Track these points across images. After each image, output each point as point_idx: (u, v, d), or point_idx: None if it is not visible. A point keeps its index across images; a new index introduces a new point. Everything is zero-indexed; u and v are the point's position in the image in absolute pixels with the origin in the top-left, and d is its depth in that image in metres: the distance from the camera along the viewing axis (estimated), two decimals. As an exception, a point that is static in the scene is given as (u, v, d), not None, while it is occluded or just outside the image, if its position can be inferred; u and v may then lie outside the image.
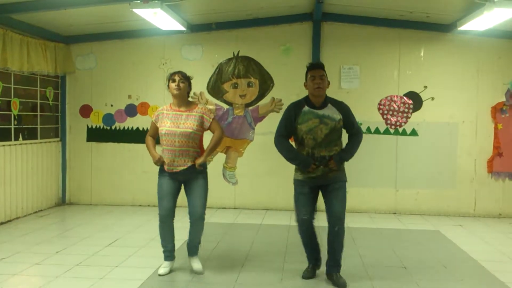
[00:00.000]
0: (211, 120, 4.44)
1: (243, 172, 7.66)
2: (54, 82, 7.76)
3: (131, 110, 7.81)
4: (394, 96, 7.43)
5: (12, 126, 6.76)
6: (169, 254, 4.54)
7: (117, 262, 4.82)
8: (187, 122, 4.34)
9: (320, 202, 4.30)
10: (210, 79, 7.60)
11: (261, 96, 7.57)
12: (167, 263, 4.54)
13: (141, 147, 7.63)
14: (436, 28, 7.26)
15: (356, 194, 7.31)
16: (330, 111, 4.20)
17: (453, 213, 7.41)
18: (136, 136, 7.77)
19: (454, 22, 6.86)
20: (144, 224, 6.56)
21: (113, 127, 7.86)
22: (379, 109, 7.44)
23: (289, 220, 6.74)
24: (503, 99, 7.28)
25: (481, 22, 6.13)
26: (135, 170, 7.81)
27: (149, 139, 4.52)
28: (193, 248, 4.57)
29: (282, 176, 7.01)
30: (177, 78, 4.34)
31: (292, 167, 4.38)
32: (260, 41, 7.56)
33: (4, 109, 6.61)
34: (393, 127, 7.44)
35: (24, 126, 7.05)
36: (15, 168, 6.77)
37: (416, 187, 7.45)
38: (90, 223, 6.58)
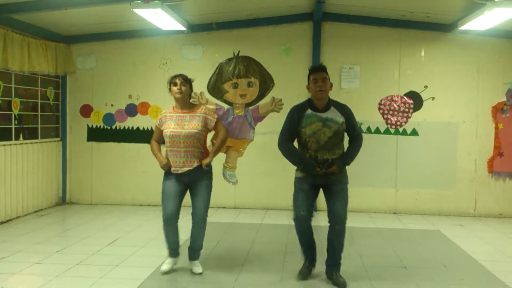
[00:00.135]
0: (215, 120, 4.47)
1: (243, 171, 7.67)
2: (55, 82, 7.77)
3: (131, 110, 7.81)
4: (394, 96, 7.43)
5: (13, 126, 6.77)
6: (173, 252, 4.55)
7: (117, 261, 4.83)
8: (192, 123, 4.35)
9: (321, 202, 4.30)
10: (210, 79, 7.60)
11: (261, 96, 7.58)
12: (170, 259, 4.54)
13: (141, 146, 7.65)
14: (436, 28, 7.25)
15: (356, 194, 7.29)
16: (333, 114, 4.19)
17: (453, 213, 7.40)
18: (136, 136, 7.77)
19: (455, 22, 6.85)
20: (144, 224, 6.57)
21: (113, 127, 7.87)
22: (379, 109, 7.43)
23: (289, 219, 6.68)
24: (504, 98, 7.27)
25: (481, 22, 6.13)
26: (135, 169, 7.81)
27: (154, 144, 4.53)
28: (194, 252, 4.56)
29: (282, 176, 7.02)
30: (178, 81, 4.36)
31: (292, 167, 4.39)
32: (261, 41, 7.56)
33: (5, 109, 6.62)
34: (393, 127, 7.44)
35: (24, 126, 7.06)
36: (16, 168, 6.78)
37: (416, 187, 7.45)
38: (90, 223, 6.58)
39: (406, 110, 7.40)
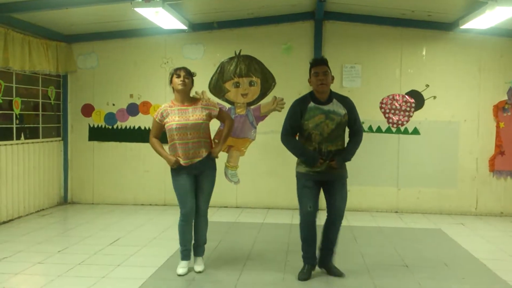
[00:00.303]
0: (217, 109, 4.48)
1: (245, 171, 7.67)
2: (56, 81, 7.77)
3: (132, 109, 7.81)
4: (396, 95, 7.42)
5: (14, 126, 6.77)
6: (187, 253, 4.49)
7: (119, 261, 4.83)
8: (195, 114, 4.34)
9: (321, 202, 4.30)
10: (211, 78, 7.60)
11: (262, 95, 7.57)
12: (185, 262, 4.48)
13: (143, 146, 7.64)
14: (438, 26, 7.24)
15: (357, 193, 7.32)
16: (336, 107, 4.22)
17: (454, 212, 7.40)
18: (138, 135, 7.77)
19: (456, 21, 6.85)
20: (145, 223, 6.57)
21: (114, 126, 7.86)
22: (381, 107, 7.43)
23: (291, 219, 6.74)
24: (505, 97, 7.26)
25: (483, 21, 6.11)
26: (136, 169, 7.81)
27: (155, 141, 4.45)
28: (199, 248, 4.56)
29: (284, 175, 7.02)
30: (182, 73, 4.34)
31: (293, 165, 4.38)
32: (262, 40, 7.55)
33: (6, 109, 6.62)
34: (395, 125, 7.43)
35: (26, 126, 7.06)
36: (17, 167, 6.78)
37: (417, 186, 7.44)
38: (92, 222, 6.59)
39: (408, 109, 7.39)
